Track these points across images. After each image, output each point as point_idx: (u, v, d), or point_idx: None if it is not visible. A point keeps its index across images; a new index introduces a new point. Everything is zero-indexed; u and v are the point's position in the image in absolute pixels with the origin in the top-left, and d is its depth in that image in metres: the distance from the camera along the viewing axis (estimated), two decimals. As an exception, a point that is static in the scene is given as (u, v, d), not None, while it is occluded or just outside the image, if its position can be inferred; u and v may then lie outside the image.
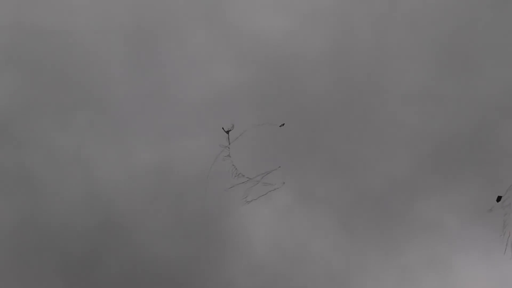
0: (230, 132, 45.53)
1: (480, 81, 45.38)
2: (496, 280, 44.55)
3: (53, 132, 45.78)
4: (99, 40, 47.48)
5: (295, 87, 46.53)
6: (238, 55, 46.96)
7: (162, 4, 48.34)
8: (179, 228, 45.71)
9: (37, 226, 43.48)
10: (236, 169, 45.25)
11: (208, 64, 47.36)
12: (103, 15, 47.88)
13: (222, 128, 45.58)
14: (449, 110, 45.27)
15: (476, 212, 45.20)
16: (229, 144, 45.57)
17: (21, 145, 45.31)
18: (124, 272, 44.66)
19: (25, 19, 47.76)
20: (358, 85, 46.11)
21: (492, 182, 45.03)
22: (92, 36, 47.46)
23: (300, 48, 46.64)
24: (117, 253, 44.62)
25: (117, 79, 46.31)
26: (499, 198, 43.49)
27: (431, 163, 45.57)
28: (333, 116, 46.36)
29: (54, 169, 45.09)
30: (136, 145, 46.19)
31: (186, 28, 48.18)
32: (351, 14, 47.60)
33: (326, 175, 46.08)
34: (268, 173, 45.01)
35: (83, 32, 47.54)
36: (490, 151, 45.29)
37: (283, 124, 45.55)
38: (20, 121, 46.25)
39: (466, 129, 45.26)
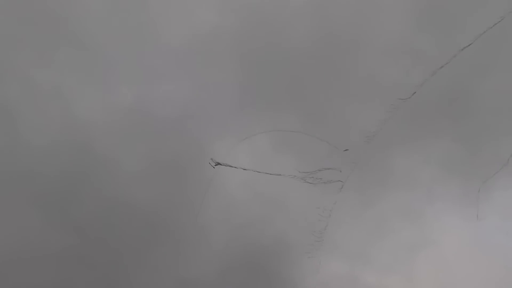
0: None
1: (459, 36, 46.08)
2: (468, 230, 46.13)
3: (33, 68, 45.65)
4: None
5: (276, 37, 46.86)
6: (220, 1, 47.17)
7: None
8: (156, 169, 46.20)
9: (14, 159, 43.59)
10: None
11: (190, 10, 47.43)
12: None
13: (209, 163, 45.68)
14: (427, 64, 45.98)
15: (450, 165, 46.57)
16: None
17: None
18: (100, 210, 45.13)
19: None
20: (337, 36, 46.57)
21: (465, 136, 46.39)
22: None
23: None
24: (94, 190, 45.02)
25: (99, 18, 46.17)
26: None
27: (407, 118, 46.41)
28: (311, 67, 46.79)
29: (32, 104, 45.08)
30: (116, 84, 46.35)
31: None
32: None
33: (302, 127, 46.71)
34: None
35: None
36: (464, 106, 46.29)
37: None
38: (-1, 55, 45.95)
39: (442, 84, 46.05)
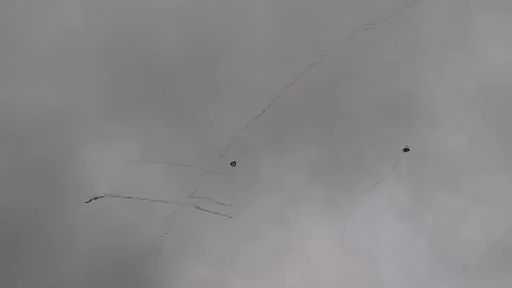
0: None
1: (322, 43, 47.00)
2: (334, 234, 46.87)
3: None
4: None
5: (144, 42, 46.98)
6: (88, 5, 46.96)
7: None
8: (20, 173, 45.59)
9: None
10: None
11: (56, 13, 47.06)
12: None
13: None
14: (292, 71, 46.79)
15: (315, 171, 47.36)
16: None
17: None
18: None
19: None
20: (205, 42, 47.02)
21: (328, 142, 47.30)
22: None
23: (151, 1, 47.11)
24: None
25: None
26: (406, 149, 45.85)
27: (273, 123, 47.11)
28: (180, 72, 47.12)
29: None
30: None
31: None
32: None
33: (172, 132, 46.94)
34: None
35: None
36: (328, 112, 47.28)
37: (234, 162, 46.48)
38: None
39: (307, 90, 46.92)
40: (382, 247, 46.60)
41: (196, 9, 47.50)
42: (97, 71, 46.79)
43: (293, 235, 47.41)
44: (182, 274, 46.15)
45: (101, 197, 45.62)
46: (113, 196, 45.64)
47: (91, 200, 45.59)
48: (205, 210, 46.32)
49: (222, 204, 46.37)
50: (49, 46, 46.90)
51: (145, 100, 47.13)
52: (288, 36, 47.35)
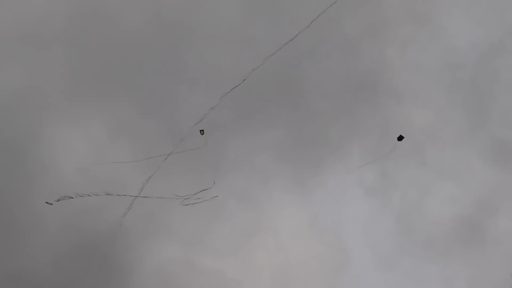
0: None
1: (287, 23, 46.80)
2: (302, 214, 47.00)
3: None
4: None
5: (108, 23, 46.65)
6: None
7: None
8: None
9: None
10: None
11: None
12: None
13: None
14: (257, 51, 46.56)
15: (282, 149, 47.32)
16: None
17: None
18: None
19: None
20: (170, 23, 46.75)
21: (299, 121, 47.21)
22: None
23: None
24: None
25: None
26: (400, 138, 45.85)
27: (241, 103, 46.95)
28: (145, 53, 46.84)
29: None
30: None
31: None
32: None
33: (138, 113, 46.77)
34: None
35: None
36: (295, 93, 47.16)
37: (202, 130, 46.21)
38: None
39: (273, 69, 46.74)
40: (350, 225, 46.73)
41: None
42: (61, 54, 46.43)
43: (262, 214, 47.45)
44: (151, 254, 46.09)
45: (61, 199, 45.43)
46: (72, 198, 45.45)
47: (50, 203, 45.39)
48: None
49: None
50: (11, 28, 46.46)
51: (111, 81, 46.84)
52: (254, 15, 47.11)
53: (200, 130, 45.94)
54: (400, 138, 45.85)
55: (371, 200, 46.82)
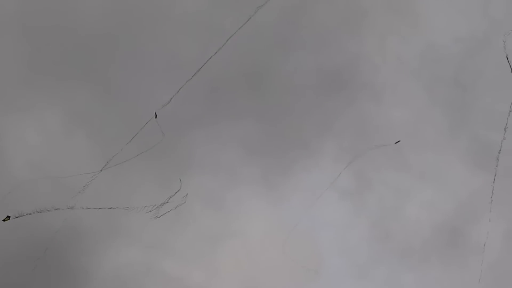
0: None
1: (260, 14, 44.30)
2: (272, 216, 44.46)
3: None
4: None
5: (64, 10, 43.77)
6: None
7: None
8: None
9: None
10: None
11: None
12: None
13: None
14: (223, 39, 43.93)
15: (252, 147, 44.69)
16: None
17: None
18: None
19: None
20: (132, 10, 44.01)
21: (267, 117, 44.61)
22: None
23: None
24: None
25: None
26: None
27: (205, 94, 44.25)
28: (104, 41, 43.97)
29: None
30: None
31: None
32: None
33: (96, 101, 43.90)
34: None
35: None
36: (266, 85, 44.59)
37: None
38: None
39: (242, 61, 44.23)
40: (323, 230, 44.11)
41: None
42: (16, 40, 43.40)
43: (230, 216, 44.74)
44: (108, 258, 43.07)
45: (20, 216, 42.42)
46: (30, 214, 42.48)
47: (8, 217, 42.31)
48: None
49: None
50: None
51: (68, 69, 43.86)
52: (220, 2, 44.52)
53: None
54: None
55: (345, 204, 44.23)
